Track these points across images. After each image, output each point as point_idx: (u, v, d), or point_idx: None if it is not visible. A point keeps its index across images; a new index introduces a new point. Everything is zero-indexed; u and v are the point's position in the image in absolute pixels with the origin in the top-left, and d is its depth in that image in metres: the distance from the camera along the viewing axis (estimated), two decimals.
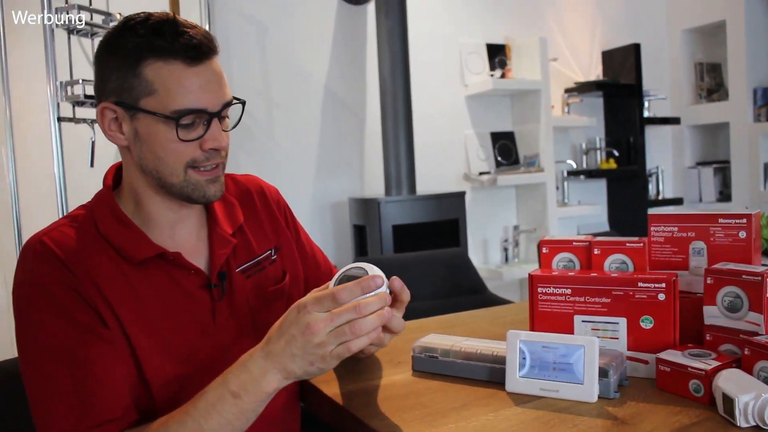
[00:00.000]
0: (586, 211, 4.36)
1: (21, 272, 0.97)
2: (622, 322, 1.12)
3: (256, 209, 1.20)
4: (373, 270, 0.90)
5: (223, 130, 1.02)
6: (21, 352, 0.95)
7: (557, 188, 4.25)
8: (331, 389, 1.14)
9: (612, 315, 1.13)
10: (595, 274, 1.15)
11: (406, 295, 0.95)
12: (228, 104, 1.02)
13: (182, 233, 1.08)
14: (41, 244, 0.97)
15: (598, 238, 1.23)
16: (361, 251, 3.43)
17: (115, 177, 1.10)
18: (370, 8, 3.65)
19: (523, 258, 4.17)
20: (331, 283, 0.90)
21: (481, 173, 3.98)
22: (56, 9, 2.45)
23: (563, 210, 4.20)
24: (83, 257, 0.97)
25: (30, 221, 2.62)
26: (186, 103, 0.96)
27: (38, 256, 0.96)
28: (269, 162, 3.37)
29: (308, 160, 3.54)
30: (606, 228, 4.65)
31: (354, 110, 3.67)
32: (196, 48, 0.96)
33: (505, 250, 4.11)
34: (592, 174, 4.48)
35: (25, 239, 2.51)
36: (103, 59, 1.00)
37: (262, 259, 1.15)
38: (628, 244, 1.20)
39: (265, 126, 3.42)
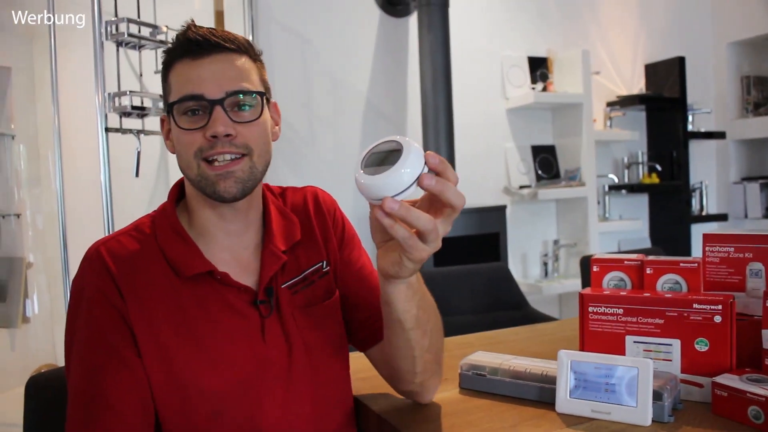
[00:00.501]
0: (627, 227, 4.30)
1: (77, 276, 1.01)
2: (676, 343, 1.10)
3: (310, 221, 1.16)
4: (409, 145, 0.77)
5: (236, 121, 0.99)
6: (65, 347, 0.99)
7: (598, 203, 4.20)
8: (379, 405, 1.13)
9: (665, 336, 1.10)
10: (648, 294, 1.13)
11: (451, 174, 0.80)
12: (236, 93, 0.99)
13: (237, 247, 1.07)
14: (97, 254, 1.00)
15: (650, 258, 1.21)
16: None
17: (181, 190, 1.11)
18: (412, 21, 3.65)
19: (562, 273, 4.12)
20: (359, 163, 0.80)
21: (521, 187, 3.95)
22: (106, 22, 2.50)
23: (604, 225, 4.15)
24: (135, 270, 0.99)
25: (76, 229, 2.67)
26: (185, 91, 0.98)
27: (92, 265, 0.99)
28: (310, 173, 3.39)
29: (349, 172, 3.55)
30: (647, 243, 4.57)
31: (395, 122, 3.67)
32: (198, 42, 0.99)
33: (545, 264, 4.06)
34: (633, 188, 4.42)
35: (70, 246, 2.57)
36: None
37: (309, 274, 1.12)
38: (682, 264, 1.17)
39: (306, 137, 3.44)
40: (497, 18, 4.00)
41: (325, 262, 1.14)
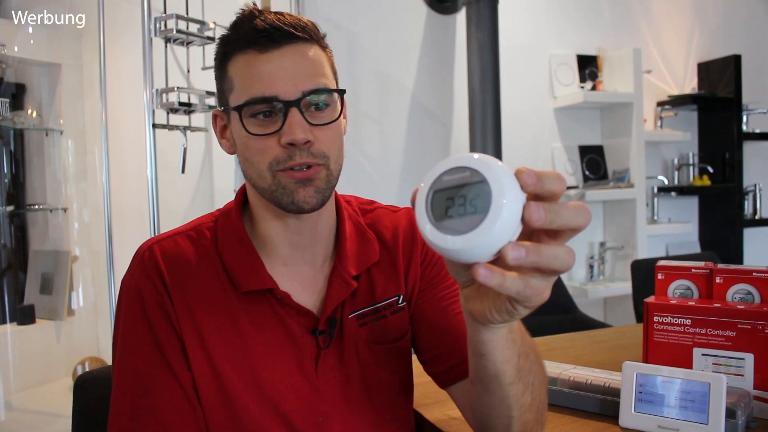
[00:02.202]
0: (676, 230, 4.18)
1: (127, 273, 0.94)
2: (749, 358, 1.04)
3: (397, 246, 1.02)
4: (494, 171, 0.52)
5: (313, 124, 0.87)
6: (112, 344, 0.94)
7: (647, 205, 4.09)
8: (433, 414, 1.09)
9: (737, 350, 1.04)
10: (719, 305, 1.07)
11: (554, 183, 0.54)
12: (314, 92, 0.87)
13: (301, 263, 0.97)
14: (150, 252, 0.93)
15: (720, 266, 1.15)
16: None
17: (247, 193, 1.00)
18: (459, 17, 3.60)
19: (608, 276, 4.03)
20: (424, 208, 0.55)
21: (568, 187, 3.86)
22: (155, 18, 2.50)
23: (652, 227, 4.04)
24: (189, 277, 0.92)
25: (121, 223, 2.69)
26: (254, 92, 0.86)
27: (143, 265, 0.92)
28: (356, 170, 3.37)
29: (394, 169, 3.52)
30: (697, 248, 4.44)
31: (441, 120, 3.62)
32: (266, 32, 0.86)
33: (591, 267, 3.98)
34: (683, 191, 4.29)
35: (115, 240, 2.59)
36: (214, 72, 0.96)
37: (382, 306, 0.99)
38: (755, 274, 1.11)
39: (351, 134, 3.41)
40: (546, 16, 3.92)
41: (401, 297, 1.01)
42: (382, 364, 0.98)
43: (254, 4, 0.93)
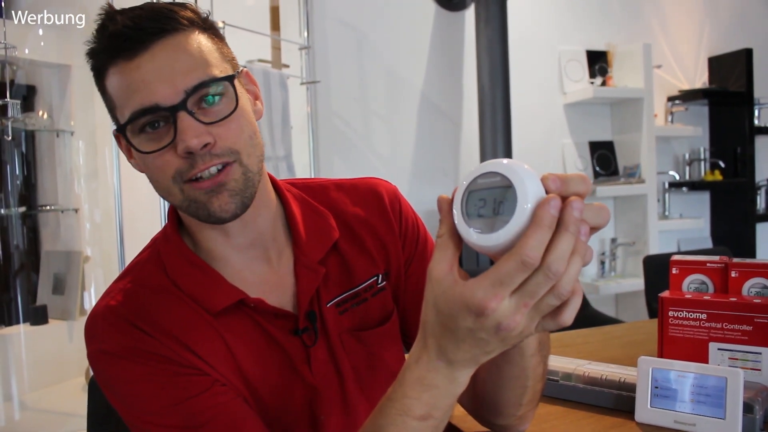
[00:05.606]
0: (687, 225, 4.17)
1: (92, 347, 0.83)
2: (766, 352, 1.03)
3: (367, 223, 0.95)
4: (519, 175, 0.55)
5: (209, 123, 0.78)
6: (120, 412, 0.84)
7: (658, 200, 4.08)
8: None
9: (754, 344, 1.04)
10: (735, 299, 1.06)
11: (579, 185, 0.56)
12: (198, 88, 0.77)
13: (257, 263, 0.89)
14: (108, 310, 0.83)
15: (736, 260, 1.14)
16: None
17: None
18: (468, 14, 3.59)
19: (620, 272, 4.02)
20: (459, 205, 0.59)
21: None
22: None
23: (664, 223, 4.03)
24: (160, 315, 0.83)
25: (132, 223, 2.70)
26: (133, 105, 0.77)
27: (107, 326, 0.82)
28: (366, 168, 3.37)
29: (404, 167, 3.52)
30: (708, 243, 4.42)
31: (450, 117, 3.62)
32: (125, 36, 0.76)
33: (602, 263, 3.96)
34: (695, 186, 4.28)
35: (126, 240, 2.59)
36: None
37: (362, 290, 0.92)
38: None
39: (362, 132, 3.42)
40: (555, 11, 3.91)
41: (380, 276, 0.94)
42: (369, 352, 0.92)
43: (109, 3, 0.83)
